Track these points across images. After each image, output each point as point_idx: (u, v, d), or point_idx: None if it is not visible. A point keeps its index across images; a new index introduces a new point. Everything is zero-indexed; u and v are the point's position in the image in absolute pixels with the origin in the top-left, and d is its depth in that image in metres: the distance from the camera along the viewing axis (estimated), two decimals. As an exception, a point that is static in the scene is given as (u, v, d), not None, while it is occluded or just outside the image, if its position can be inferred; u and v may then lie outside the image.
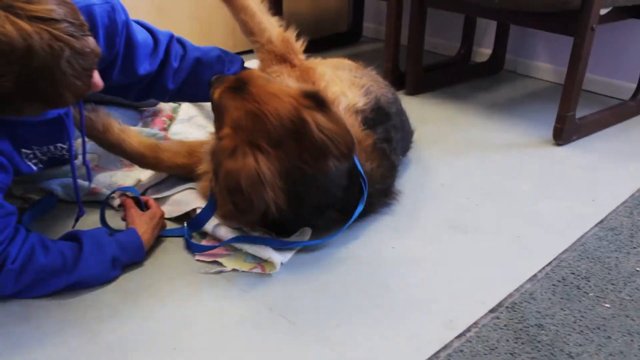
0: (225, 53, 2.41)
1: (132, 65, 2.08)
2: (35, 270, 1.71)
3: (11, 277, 1.69)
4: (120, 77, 2.08)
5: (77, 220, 2.05)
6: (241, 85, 1.87)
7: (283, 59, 2.35)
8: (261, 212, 1.83)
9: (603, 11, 2.67)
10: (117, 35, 1.97)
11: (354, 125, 2.09)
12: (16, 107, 1.52)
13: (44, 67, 1.44)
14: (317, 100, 1.86)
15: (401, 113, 2.52)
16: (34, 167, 1.89)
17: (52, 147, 1.93)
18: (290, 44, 2.38)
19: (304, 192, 1.89)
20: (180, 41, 2.27)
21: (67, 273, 1.75)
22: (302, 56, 2.41)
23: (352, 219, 2.03)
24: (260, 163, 1.77)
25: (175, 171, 2.30)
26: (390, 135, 2.23)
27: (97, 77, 1.69)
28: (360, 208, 2.03)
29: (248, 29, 2.39)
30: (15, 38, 1.38)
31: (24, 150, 1.83)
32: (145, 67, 2.13)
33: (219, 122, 1.93)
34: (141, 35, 2.11)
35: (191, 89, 2.32)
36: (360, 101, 2.21)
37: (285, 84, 2.04)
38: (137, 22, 2.13)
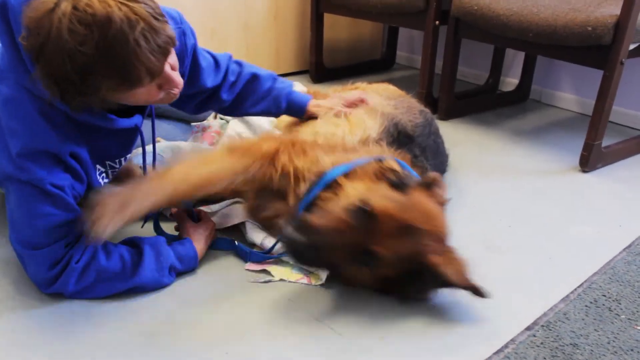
0: (278, 77, 2.37)
1: (196, 83, 2.10)
2: (97, 271, 1.71)
3: (74, 276, 1.70)
4: (185, 90, 2.00)
5: (145, 220, 2.07)
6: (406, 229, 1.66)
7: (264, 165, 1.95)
8: None
9: (632, 46, 2.63)
10: (185, 56, 1.99)
11: (384, 150, 2.04)
12: (96, 85, 1.51)
13: (120, 34, 1.44)
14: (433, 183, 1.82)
15: (434, 134, 2.46)
16: (102, 183, 1.89)
17: (123, 160, 1.93)
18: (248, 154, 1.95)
19: None
20: (237, 62, 2.28)
21: (127, 277, 1.75)
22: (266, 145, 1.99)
23: None
24: None
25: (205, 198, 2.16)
26: (414, 152, 2.18)
27: (177, 76, 1.68)
28: None
29: (221, 188, 1.92)
30: (98, 8, 1.42)
31: (98, 166, 1.84)
32: (211, 80, 2.15)
33: None
34: (205, 61, 2.12)
35: (247, 100, 2.29)
36: (373, 132, 2.14)
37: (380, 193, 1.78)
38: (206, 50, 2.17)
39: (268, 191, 1.99)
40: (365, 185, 1.79)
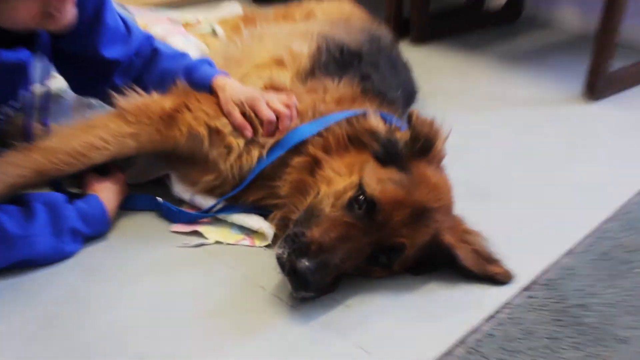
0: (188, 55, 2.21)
1: (93, 42, 2.00)
2: None
3: None
4: (77, 47, 2.00)
5: None
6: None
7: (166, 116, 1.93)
8: None
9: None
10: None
11: (328, 89, 2.04)
12: None
13: None
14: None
15: (385, 50, 2.47)
16: None
17: (8, 109, 1.89)
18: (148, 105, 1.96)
19: None
20: (156, 49, 2.13)
21: (13, 245, 1.68)
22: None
23: None
24: None
25: None
26: (366, 71, 2.17)
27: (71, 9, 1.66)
28: None
29: (107, 157, 1.90)
30: None
31: None
32: (112, 51, 2.05)
33: None
34: (113, 19, 2.03)
35: (142, 82, 2.10)
36: (304, 59, 2.17)
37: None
38: (120, 16, 2.08)
39: (185, 157, 1.98)
40: (348, 163, 1.77)
